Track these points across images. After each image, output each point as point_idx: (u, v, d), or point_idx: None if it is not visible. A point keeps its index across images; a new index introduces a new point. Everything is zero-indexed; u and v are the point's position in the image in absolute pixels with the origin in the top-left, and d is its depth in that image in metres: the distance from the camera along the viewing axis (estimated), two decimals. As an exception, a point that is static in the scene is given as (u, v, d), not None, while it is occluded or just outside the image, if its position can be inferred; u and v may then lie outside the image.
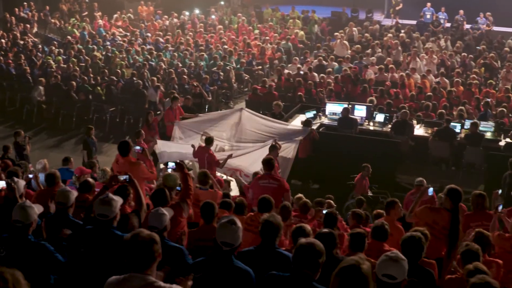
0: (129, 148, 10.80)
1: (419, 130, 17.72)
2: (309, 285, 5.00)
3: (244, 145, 15.59)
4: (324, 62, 25.33)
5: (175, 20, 32.62)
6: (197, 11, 34.18)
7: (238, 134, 15.99)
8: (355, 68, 23.81)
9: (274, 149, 14.01)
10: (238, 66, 25.60)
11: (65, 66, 23.71)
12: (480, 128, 16.89)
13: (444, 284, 7.06)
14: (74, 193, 7.63)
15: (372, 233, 7.83)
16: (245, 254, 6.14)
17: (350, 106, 17.99)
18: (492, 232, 8.70)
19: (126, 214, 7.50)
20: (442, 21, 31.50)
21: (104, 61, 25.33)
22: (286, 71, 24.08)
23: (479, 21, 31.03)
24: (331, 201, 11.85)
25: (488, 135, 17.14)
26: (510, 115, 19.38)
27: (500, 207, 9.48)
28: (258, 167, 14.74)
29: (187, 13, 33.77)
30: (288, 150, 15.11)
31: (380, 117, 18.08)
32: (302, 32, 30.98)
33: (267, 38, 29.48)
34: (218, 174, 14.51)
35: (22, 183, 8.64)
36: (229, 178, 14.81)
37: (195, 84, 21.22)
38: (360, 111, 18.18)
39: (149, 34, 30.25)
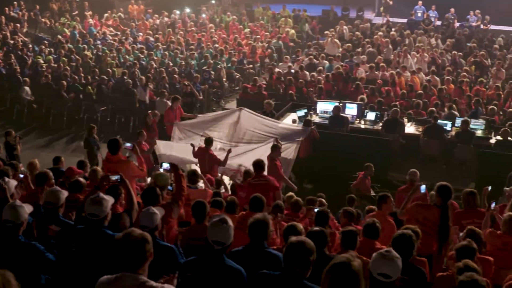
0: (118, 146, 10.76)
1: (410, 128, 17.75)
2: (300, 283, 5.00)
3: (244, 145, 15.59)
4: (315, 60, 25.35)
5: (166, 19, 32.58)
6: (187, 10, 34.15)
7: (238, 134, 15.97)
8: (345, 66, 23.83)
9: (276, 148, 14.00)
10: (229, 65, 25.58)
11: (55, 65, 23.67)
12: (471, 126, 16.94)
13: (436, 282, 7.08)
14: (64, 193, 7.59)
15: (364, 231, 7.83)
16: (234, 254, 6.13)
17: (341, 104, 18.00)
18: (484, 230, 8.74)
19: (118, 213, 7.49)
20: (432, 19, 31.58)
21: (95, 61, 25.28)
22: (277, 69, 24.07)
23: (469, 19, 31.12)
24: (323, 200, 11.86)
25: (479, 132, 17.18)
26: (501, 112, 19.45)
27: (493, 205, 9.52)
28: None
29: (177, 12, 33.73)
30: (289, 150, 15.12)
31: (371, 115, 18.11)
32: (293, 31, 31.01)
33: (258, 37, 29.49)
34: (219, 174, 14.47)
35: (13, 183, 8.60)
36: (224, 177, 14.83)
37: (186, 83, 21.18)
38: (351, 110, 18.19)
39: (140, 34, 30.23)
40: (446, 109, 19.21)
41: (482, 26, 30.64)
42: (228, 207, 9.47)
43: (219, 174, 14.41)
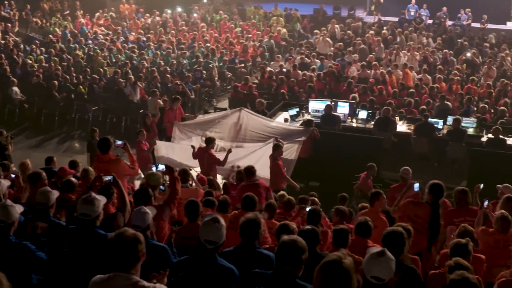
0: (109, 145, 10.73)
1: (401, 127, 17.78)
2: (292, 282, 5.01)
3: (245, 145, 15.57)
4: (306, 59, 25.36)
5: (157, 18, 32.54)
6: (179, 9, 34.11)
7: (239, 135, 15.93)
8: (337, 65, 23.84)
9: (277, 148, 14.00)
10: (221, 64, 25.57)
11: (46, 65, 23.61)
12: (463, 124, 16.98)
13: (428, 280, 7.10)
14: (55, 193, 7.58)
15: (356, 230, 7.84)
16: (225, 254, 6.10)
17: (333, 103, 18.01)
18: (476, 228, 8.77)
19: (112, 213, 7.49)
20: (424, 18, 31.63)
21: (86, 60, 25.22)
22: (268, 68, 24.07)
23: (461, 18, 31.20)
24: (315, 198, 11.87)
25: (471, 131, 17.20)
26: (492, 111, 19.50)
27: (486, 203, 9.54)
28: (259, 167, 14.75)
29: (169, 11, 33.69)
30: (290, 150, 15.11)
31: (363, 114, 18.12)
32: (284, 30, 31.01)
33: (250, 36, 29.49)
34: (219, 176, 14.45)
35: (4, 182, 8.59)
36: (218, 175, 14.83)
37: (178, 83, 21.16)
38: (343, 108, 18.20)
39: (133, 33, 30.20)
40: (438, 100, 19.39)
41: (479, 25, 30.69)
42: (220, 206, 9.47)
43: (219, 176, 14.34)
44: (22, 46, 26.68)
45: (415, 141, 17.02)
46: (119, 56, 25.14)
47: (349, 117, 18.10)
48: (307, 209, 9.09)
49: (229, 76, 25.37)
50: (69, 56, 24.77)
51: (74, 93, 21.57)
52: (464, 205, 9.77)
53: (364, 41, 27.63)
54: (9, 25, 29.71)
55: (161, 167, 10.79)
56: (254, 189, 10.64)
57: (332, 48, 27.16)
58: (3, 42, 26.95)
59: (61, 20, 31.36)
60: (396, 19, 31.88)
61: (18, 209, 6.49)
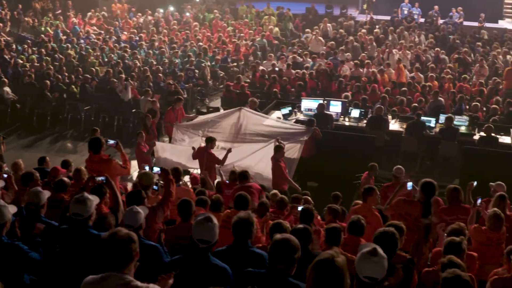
0: (100, 145, 10.72)
1: (394, 125, 17.83)
2: (285, 280, 5.01)
3: (246, 145, 15.54)
4: (299, 58, 25.37)
5: (149, 17, 32.50)
6: (171, 9, 34.07)
7: (239, 135, 15.87)
8: (329, 64, 23.85)
9: (279, 150, 13.98)
10: (213, 63, 25.56)
11: (38, 65, 23.53)
12: (455, 123, 17.03)
13: (421, 277, 7.11)
14: (46, 193, 7.56)
15: (349, 228, 7.86)
16: (218, 253, 6.09)
17: (325, 102, 18.03)
18: (469, 225, 8.80)
19: (104, 213, 7.48)
20: (416, 16, 31.71)
21: (78, 60, 25.16)
22: (261, 67, 24.07)
23: (452, 16, 31.29)
24: (308, 197, 11.88)
25: (463, 129, 17.27)
26: (484, 109, 19.55)
27: (479, 201, 9.58)
28: (261, 167, 14.75)
29: (161, 10, 33.65)
30: (292, 150, 15.09)
31: (355, 113, 18.14)
32: (276, 29, 31.02)
33: (242, 35, 29.49)
34: (218, 178, 14.44)
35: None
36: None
37: (171, 83, 21.13)
38: (335, 107, 18.22)
39: (125, 33, 30.16)
40: (430, 98, 19.51)
41: (477, 23, 30.76)
42: (213, 206, 9.47)
43: (219, 177, 14.29)
44: (14, 45, 26.60)
45: (405, 140, 17.08)
46: (112, 56, 25.08)
47: (342, 116, 18.12)
48: (299, 208, 9.10)
49: (221, 75, 25.36)
50: (61, 56, 24.70)
51: (66, 93, 21.51)
52: (456, 203, 9.78)
53: (357, 39, 27.67)
54: (1, 24, 29.56)
55: (156, 169, 10.78)
56: (247, 190, 10.64)
57: (324, 47, 27.16)
58: (-6, 42, 26.87)
59: (53, 20, 31.27)
60: (388, 17, 31.95)
61: (11, 209, 6.47)
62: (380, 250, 4.69)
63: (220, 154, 14.56)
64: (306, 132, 15.66)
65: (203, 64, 24.38)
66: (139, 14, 32.99)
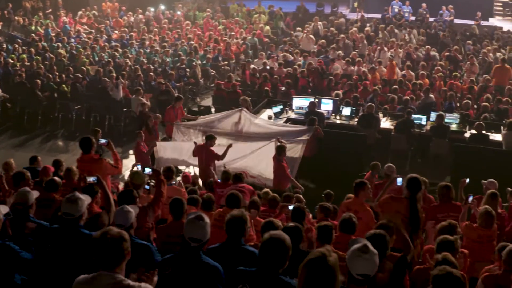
0: (91, 145, 10.69)
1: (385, 123, 17.86)
2: (276, 278, 5.01)
3: (247, 144, 15.51)
4: (290, 56, 25.39)
5: (140, 16, 32.44)
6: (162, 7, 34.02)
7: (241, 134, 15.82)
8: (320, 62, 23.87)
9: (281, 149, 13.94)
10: (204, 62, 25.54)
11: (29, 64, 23.46)
12: (446, 120, 17.08)
13: (413, 275, 7.13)
14: (34, 194, 7.53)
15: (340, 226, 7.86)
16: (211, 251, 6.12)
17: (316, 100, 18.03)
18: (461, 223, 8.83)
19: (97, 213, 7.47)
20: (406, 14, 31.79)
21: (69, 59, 25.09)
22: (252, 66, 24.07)
23: (443, 14, 31.37)
24: (300, 196, 11.88)
25: (454, 126, 17.33)
26: (475, 106, 19.60)
27: (470, 198, 9.61)
28: (263, 167, 14.72)
29: (152, 9, 33.59)
30: (294, 149, 15.05)
31: (346, 111, 18.16)
32: (267, 27, 31.04)
33: (233, 33, 29.48)
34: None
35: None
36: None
37: (162, 82, 21.08)
38: (326, 105, 18.24)
39: (116, 31, 30.10)
40: (422, 94, 19.70)
41: (473, 22, 30.84)
42: (204, 204, 9.46)
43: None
44: (4, 45, 26.50)
45: (395, 138, 17.14)
46: (103, 55, 25.02)
47: (333, 114, 18.14)
48: (290, 207, 9.10)
49: (212, 74, 25.34)
50: (51, 55, 24.64)
51: (57, 92, 21.42)
52: (447, 200, 9.82)
53: (348, 37, 27.70)
54: (-9, 24, 29.57)
55: (147, 170, 10.76)
56: (239, 190, 10.65)
57: (315, 45, 27.19)
58: (-16, 41, 26.80)
59: (43, 19, 31.17)
60: (379, 15, 32.00)
61: (3, 209, 6.45)
62: (371, 246, 4.70)
63: (219, 150, 14.52)
64: (307, 131, 15.62)
65: (194, 63, 24.35)
66: (130, 13, 32.93)
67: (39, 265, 6.25)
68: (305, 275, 4.32)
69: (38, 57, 24.17)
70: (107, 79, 21.09)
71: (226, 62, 26.34)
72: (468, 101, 19.23)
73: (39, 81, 21.19)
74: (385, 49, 25.21)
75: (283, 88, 21.04)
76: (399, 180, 9.92)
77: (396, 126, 17.21)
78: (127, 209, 6.54)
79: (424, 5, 31.74)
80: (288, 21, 32.92)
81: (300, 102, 18.35)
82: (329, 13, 33.88)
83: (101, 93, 20.91)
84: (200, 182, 14.05)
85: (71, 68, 22.98)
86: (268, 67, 23.54)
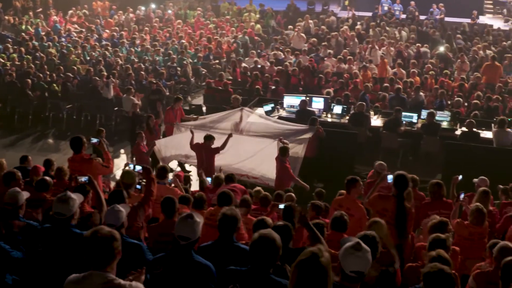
0: (81, 144, 10.66)
1: (376, 121, 17.89)
2: (266, 277, 5.01)
3: (249, 139, 15.45)
4: (281, 54, 25.39)
5: (131, 15, 32.39)
6: (153, 6, 33.97)
7: (242, 133, 15.77)
8: (311, 60, 23.88)
9: (285, 151, 13.88)
10: (195, 60, 25.52)
11: (19, 63, 23.38)
12: (437, 118, 17.13)
13: (405, 272, 7.15)
14: (24, 194, 7.51)
15: (332, 224, 7.86)
16: (203, 249, 6.14)
17: (307, 98, 18.04)
18: (452, 220, 8.84)
19: (89, 213, 7.46)
20: (397, 12, 31.85)
21: (60, 58, 25.02)
22: (243, 64, 24.06)
23: (433, 12, 31.45)
24: (292, 194, 11.87)
25: (445, 124, 17.37)
26: (466, 104, 19.64)
27: (462, 195, 9.63)
28: (265, 168, 14.69)
29: (143, 8, 33.55)
30: (296, 149, 15.01)
31: (337, 109, 18.19)
32: (258, 26, 31.05)
33: (224, 32, 29.47)
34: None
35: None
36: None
37: (153, 81, 21.04)
38: (317, 103, 18.25)
39: (107, 30, 30.05)
40: (413, 93, 19.71)
41: (470, 20, 30.92)
42: (196, 203, 9.45)
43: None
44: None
45: (384, 136, 17.17)
46: (93, 54, 24.96)
47: (324, 112, 18.15)
48: (281, 206, 9.09)
49: (203, 72, 25.31)
50: (42, 54, 24.56)
51: (48, 92, 21.34)
52: (439, 198, 9.85)
53: (339, 35, 27.70)
54: (-18, 23, 29.46)
55: (138, 168, 10.73)
56: (231, 189, 10.64)
57: (306, 44, 27.21)
58: (-25, 41, 26.69)
59: (34, 18, 31.08)
60: (370, 14, 32.06)
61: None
62: (364, 244, 4.71)
63: (219, 139, 14.48)
64: (308, 131, 15.58)
65: (185, 62, 24.33)
66: (120, 12, 32.87)
67: (31, 265, 6.24)
68: (297, 275, 4.31)
69: (28, 56, 24.08)
70: (97, 78, 21.04)
71: (217, 61, 26.32)
72: (459, 99, 19.27)
73: (29, 81, 21.10)
74: (376, 47, 25.23)
75: (273, 87, 21.02)
76: (390, 177, 9.91)
77: (385, 124, 17.25)
78: (117, 209, 6.52)
79: (412, 2, 31.84)
80: (279, 20, 32.92)
81: (291, 101, 18.35)
82: (320, 11, 33.92)
83: (92, 93, 20.87)
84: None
85: (61, 67, 22.90)
86: (259, 66, 23.54)
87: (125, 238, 6.24)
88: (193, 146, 14.63)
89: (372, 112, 18.23)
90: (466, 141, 15.99)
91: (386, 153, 16.82)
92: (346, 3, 33.89)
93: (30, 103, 21.02)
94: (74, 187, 8.30)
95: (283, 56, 25.30)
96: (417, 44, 26.07)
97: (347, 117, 17.68)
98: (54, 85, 21.40)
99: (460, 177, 10.77)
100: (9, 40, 26.99)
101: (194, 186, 13.92)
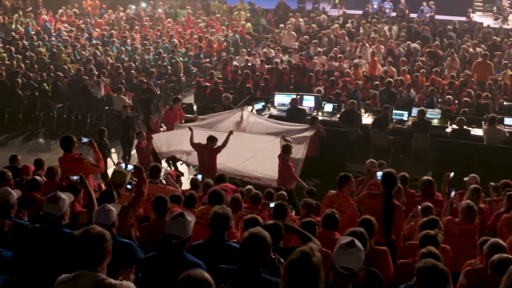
0: (71, 144, 10.63)
1: (367, 119, 17.90)
2: (257, 276, 5.01)
3: (250, 137, 15.43)
4: (272, 52, 25.39)
5: (121, 14, 32.34)
6: (143, 5, 33.93)
7: (244, 133, 15.74)
8: (301, 58, 23.88)
9: (288, 149, 13.82)
10: (186, 59, 25.49)
11: (9, 63, 23.29)
12: (427, 116, 17.16)
13: (397, 269, 7.16)
14: (15, 194, 7.47)
15: (323, 222, 7.85)
16: (195, 247, 6.14)
17: (298, 96, 18.05)
18: (443, 217, 8.86)
19: (78, 212, 7.44)
20: (388, 10, 31.91)
21: (50, 57, 24.95)
22: (234, 63, 24.05)
23: (424, 10, 31.52)
24: (283, 192, 11.87)
25: (435, 122, 17.42)
26: (456, 102, 19.69)
27: (453, 193, 9.65)
28: (268, 167, 14.66)
29: (133, 6, 33.50)
30: (297, 148, 14.98)
31: (328, 107, 18.20)
32: (249, 24, 31.05)
33: (214, 30, 29.46)
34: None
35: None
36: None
37: (144, 80, 21.00)
38: (308, 102, 18.26)
39: (97, 29, 29.98)
40: (405, 91, 19.76)
41: (465, 19, 30.98)
42: (187, 202, 9.44)
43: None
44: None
45: (373, 134, 17.21)
46: (83, 53, 24.90)
47: (315, 110, 18.15)
48: (271, 204, 9.09)
49: (194, 71, 25.29)
50: (32, 54, 24.49)
51: (38, 91, 21.28)
52: (429, 195, 9.88)
53: (331, 33, 27.72)
54: (-29, 23, 29.33)
55: (130, 167, 10.70)
56: (222, 189, 10.63)
57: (297, 42, 27.23)
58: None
59: (23, 17, 30.99)
60: (360, 12, 32.11)
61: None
62: (358, 242, 4.73)
63: (220, 138, 14.42)
64: (309, 129, 15.56)
65: (175, 60, 24.29)
66: (110, 11, 32.81)
67: (21, 265, 6.22)
68: (288, 274, 4.30)
69: (18, 55, 23.99)
70: (86, 78, 20.99)
71: (208, 60, 26.30)
72: (450, 96, 19.32)
73: (19, 80, 21.03)
74: (367, 45, 25.24)
75: (263, 85, 21.02)
76: (379, 174, 9.94)
77: (373, 122, 17.28)
78: (108, 208, 6.52)
79: (402, 0, 31.94)
80: (270, 18, 32.93)
81: (282, 99, 18.37)
82: (310, 10, 33.94)
83: (82, 92, 20.81)
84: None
85: (52, 66, 22.84)
86: (250, 64, 23.53)
87: (116, 237, 6.23)
88: (195, 145, 14.59)
89: (363, 110, 18.24)
90: (457, 139, 16.01)
91: (377, 151, 16.84)
92: (337, 1, 33.95)
93: (20, 103, 20.97)
94: (65, 187, 8.29)
95: (273, 54, 25.28)
96: (408, 42, 26.08)
97: (338, 115, 17.69)
98: (44, 84, 21.33)
99: (452, 174, 10.80)
100: (-1, 39, 26.92)
101: (185, 185, 13.89)
